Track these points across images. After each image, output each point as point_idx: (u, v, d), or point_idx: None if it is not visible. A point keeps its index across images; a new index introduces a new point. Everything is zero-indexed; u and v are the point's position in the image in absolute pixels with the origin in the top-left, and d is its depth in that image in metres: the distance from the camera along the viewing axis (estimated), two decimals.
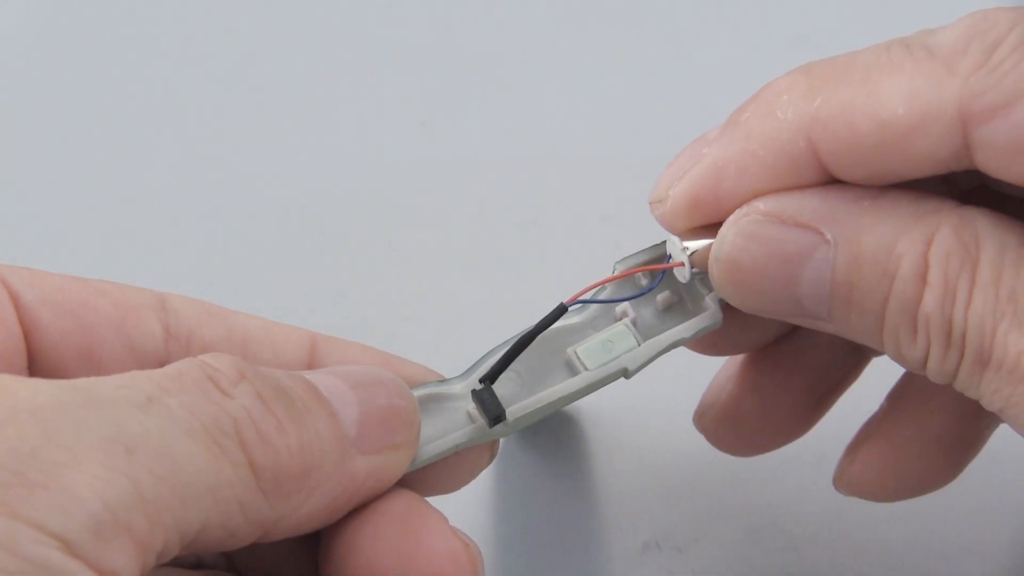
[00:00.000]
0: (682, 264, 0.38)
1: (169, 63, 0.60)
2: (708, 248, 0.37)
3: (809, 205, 0.36)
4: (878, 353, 0.42)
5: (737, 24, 0.61)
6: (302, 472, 0.32)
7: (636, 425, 0.50)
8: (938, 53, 0.34)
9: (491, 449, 0.39)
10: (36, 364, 0.35)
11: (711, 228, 0.37)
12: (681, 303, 0.39)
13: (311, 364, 0.38)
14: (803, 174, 0.36)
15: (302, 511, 0.33)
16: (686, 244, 0.37)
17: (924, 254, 0.34)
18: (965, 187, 0.38)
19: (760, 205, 0.36)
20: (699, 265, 0.38)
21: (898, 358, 0.36)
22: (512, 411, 0.37)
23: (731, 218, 0.36)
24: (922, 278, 0.34)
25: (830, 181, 0.36)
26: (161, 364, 0.36)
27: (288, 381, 0.34)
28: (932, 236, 0.34)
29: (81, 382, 0.30)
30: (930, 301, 0.34)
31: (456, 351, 0.50)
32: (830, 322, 0.36)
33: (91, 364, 0.36)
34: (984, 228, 0.34)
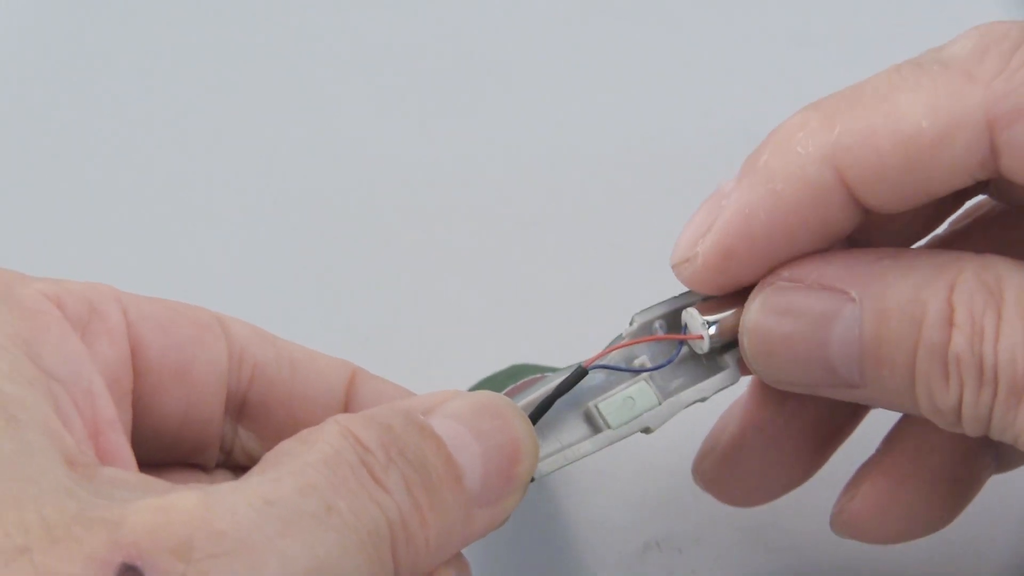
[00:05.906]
0: (701, 337, 0.38)
1: (167, 64, 0.61)
2: (730, 318, 0.38)
3: (831, 268, 0.36)
4: None
5: (737, 25, 0.61)
6: (434, 562, 0.33)
7: None
8: (953, 65, 0.34)
9: None
10: (137, 385, 0.36)
11: (730, 299, 0.38)
12: (697, 357, 0.39)
13: (349, 395, 0.39)
14: (832, 205, 0.36)
15: None
16: (707, 318, 0.38)
17: (948, 299, 0.34)
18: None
19: (784, 273, 0.37)
20: (727, 335, 0.38)
21: (932, 411, 0.36)
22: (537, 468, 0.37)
23: (755, 290, 0.37)
24: (949, 321, 0.34)
25: (859, 211, 0.36)
26: (227, 385, 0.37)
27: (425, 450, 0.33)
28: (954, 281, 0.34)
29: (268, 493, 0.30)
30: (959, 341, 0.34)
31: (455, 350, 0.50)
32: (863, 386, 0.36)
33: (185, 384, 0.36)
34: (1005, 269, 0.34)
